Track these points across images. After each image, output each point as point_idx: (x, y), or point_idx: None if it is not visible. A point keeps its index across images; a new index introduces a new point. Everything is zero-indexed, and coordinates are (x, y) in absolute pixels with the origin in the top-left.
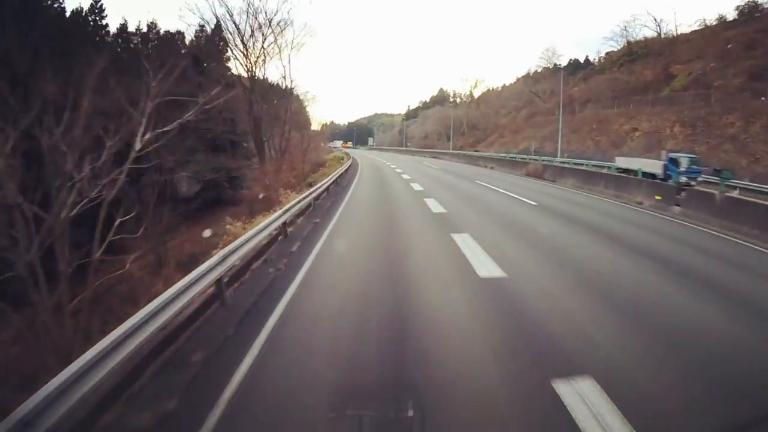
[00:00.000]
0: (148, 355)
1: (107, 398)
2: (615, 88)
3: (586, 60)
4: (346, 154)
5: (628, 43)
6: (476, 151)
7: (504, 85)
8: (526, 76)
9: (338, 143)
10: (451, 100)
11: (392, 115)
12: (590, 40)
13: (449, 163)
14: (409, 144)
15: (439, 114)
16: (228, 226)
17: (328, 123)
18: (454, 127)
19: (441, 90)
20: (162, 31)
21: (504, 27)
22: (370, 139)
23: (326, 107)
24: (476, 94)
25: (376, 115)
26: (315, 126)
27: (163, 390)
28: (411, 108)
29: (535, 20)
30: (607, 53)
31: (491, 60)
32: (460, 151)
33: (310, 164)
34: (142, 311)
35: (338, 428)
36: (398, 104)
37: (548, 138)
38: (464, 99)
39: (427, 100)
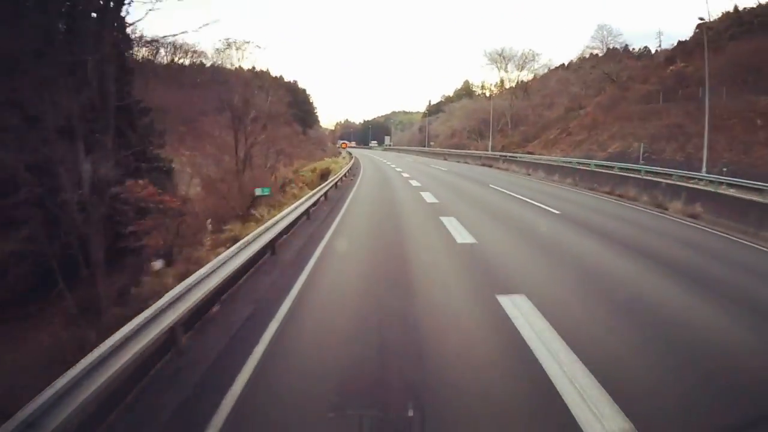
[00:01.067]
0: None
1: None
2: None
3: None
4: (348, 155)
5: (736, 10)
6: (537, 154)
7: (535, 76)
8: (577, 61)
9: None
10: (480, 91)
11: (410, 113)
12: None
13: (541, 186)
14: (432, 144)
15: (471, 107)
16: None
17: (342, 122)
18: (489, 123)
19: (466, 82)
20: None
21: (529, 17)
22: (387, 138)
23: (340, 105)
24: (523, 77)
25: (393, 113)
26: (327, 125)
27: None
28: (432, 103)
29: (565, 8)
30: (698, 26)
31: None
32: (525, 157)
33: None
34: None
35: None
36: (417, 102)
37: (663, 137)
38: (493, 90)
39: (451, 94)
